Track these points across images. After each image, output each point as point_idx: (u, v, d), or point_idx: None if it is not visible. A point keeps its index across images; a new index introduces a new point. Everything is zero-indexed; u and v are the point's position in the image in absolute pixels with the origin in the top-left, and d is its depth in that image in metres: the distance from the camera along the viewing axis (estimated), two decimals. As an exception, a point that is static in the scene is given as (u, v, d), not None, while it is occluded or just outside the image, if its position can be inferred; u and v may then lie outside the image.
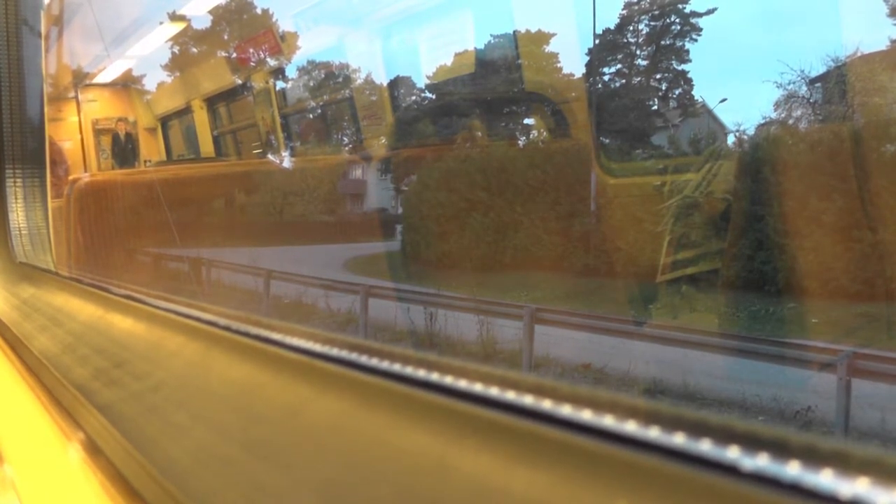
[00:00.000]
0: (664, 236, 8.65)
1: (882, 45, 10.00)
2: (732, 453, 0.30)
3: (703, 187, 8.85)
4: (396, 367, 0.50)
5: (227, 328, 0.74)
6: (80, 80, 9.43)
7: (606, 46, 14.24)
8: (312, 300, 9.58)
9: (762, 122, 10.98)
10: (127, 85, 10.12)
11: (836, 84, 10.37)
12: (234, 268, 10.30)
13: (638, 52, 14.76)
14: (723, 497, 0.29)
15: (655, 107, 14.39)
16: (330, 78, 12.41)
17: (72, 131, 9.43)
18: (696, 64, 14.40)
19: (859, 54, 9.73)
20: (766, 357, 5.56)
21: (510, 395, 0.40)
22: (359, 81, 10.19)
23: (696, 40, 14.22)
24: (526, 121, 14.55)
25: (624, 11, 14.26)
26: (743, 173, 8.39)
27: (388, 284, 9.81)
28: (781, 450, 0.29)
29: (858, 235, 7.13)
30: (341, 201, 16.32)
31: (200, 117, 9.50)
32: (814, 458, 0.28)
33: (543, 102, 12.65)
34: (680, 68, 14.46)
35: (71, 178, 7.52)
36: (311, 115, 12.69)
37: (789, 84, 11.03)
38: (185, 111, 9.76)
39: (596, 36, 13.39)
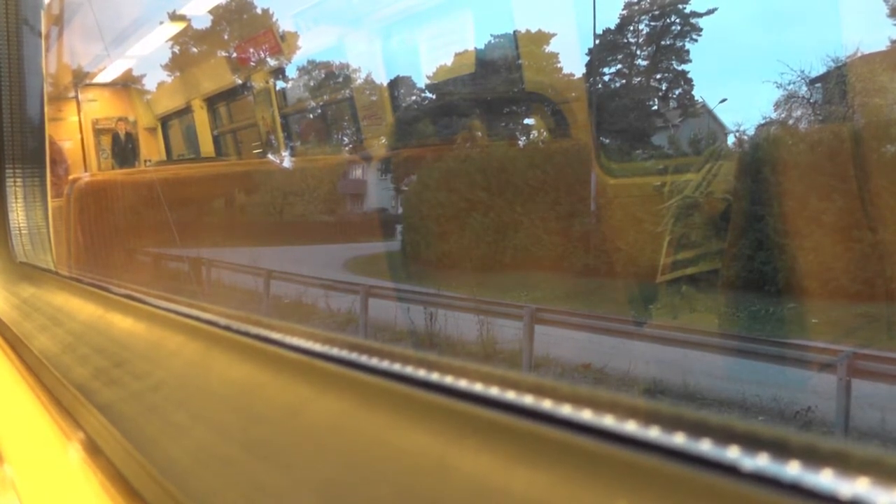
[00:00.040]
0: (664, 236, 8.65)
1: (882, 45, 10.01)
2: (732, 453, 0.30)
3: (703, 187, 8.85)
4: (396, 367, 0.50)
5: (227, 328, 0.74)
6: (80, 79, 9.43)
7: (606, 46, 14.24)
8: (312, 300, 9.59)
9: (762, 122, 10.99)
10: (127, 85, 10.13)
11: (836, 84, 10.37)
12: (234, 268, 10.31)
13: (638, 52, 14.76)
14: (723, 497, 0.29)
15: (655, 107, 14.39)
16: (330, 78, 12.41)
17: (72, 131, 9.43)
18: (696, 64, 14.41)
19: (859, 55, 9.74)
20: (766, 357, 5.56)
21: (510, 395, 0.40)
22: (359, 81, 10.19)
23: (696, 40, 14.23)
24: (526, 121, 14.56)
25: (624, 11, 14.27)
26: (743, 173, 8.39)
27: (388, 284, 9.81)
28: (781, 450, 0.29)
29: (858, 235, 7.13)
30: (341, 201, 16.32)
31: (200, 117, 9.50)
32: (814, 458, 0.28)
33: (543, 102, 12.65)
34: (680, 68, 14.47)
35: (71, 177, 7.52)
36: (311, 115, 12.69)
37: (789, 84, 11.04)
38: (186, 111, 9.76)
39: (596, 36, 13.41)
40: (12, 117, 2.16)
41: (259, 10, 11.17)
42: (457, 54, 9.47)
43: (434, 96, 14.79)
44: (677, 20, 14.37)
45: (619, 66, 14.81)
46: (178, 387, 0.75)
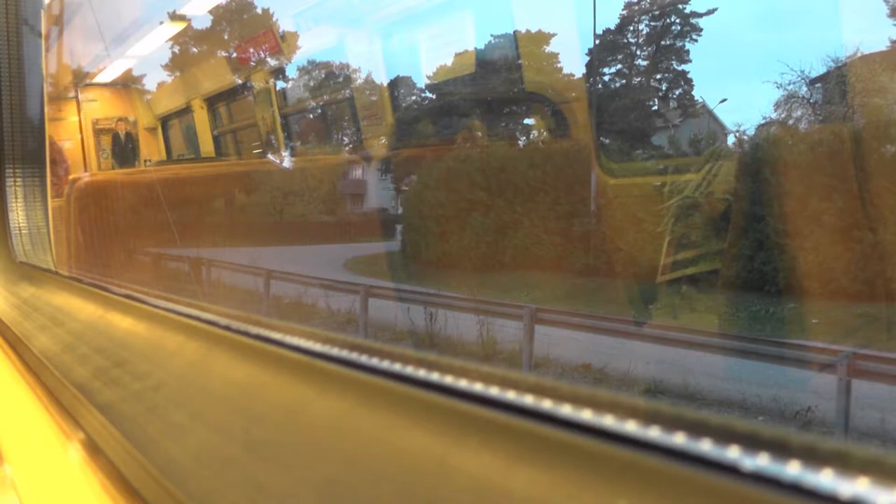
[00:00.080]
0: (664, 236, 8.65)
1: (882, 45, 10.01)
2: (732, 453, 0.30)
3: (703, 188, 8.85)
4: (396, 367, 0.50)
5: (227, 328, 0.74)
6: (81, 79, 9.43)
7: (606, 47, 14.24)
8: (312, 300, 9.59)
9: (762, 122, 11.00)
10: (127, 85, 10.12)
11: (836, 84, 10.37)
12: (234, 268, 10.31)
13: (638, 52, 14.77)
14: (723, 497, 0.29)
15: (655, 107, 14.39)
16: (330, 78, 12.40)
17: (72, 131, 9.43)
18: (696, 64, 14.43)
19: (859, 55, 9.74)
20: (766, 357, 5.57)
21: (510, 395, 0.40)
22: (359, 81, 10.18)
23: (696, 40, 14.24)
24: (526, 121, 14.57)
25: (624, 12, 14.28)
26: (743, 174, 8.39)
27: (388, 284, 9.82)
28: (781, 450, 0.29)
29: (858, 236, 7.13)
30: (341, 201, 16.32)
31: (200, 117, 9.50)
32: (814, 458, 0.28)
33: (543, 102, 12.64)
34: (680, 68, 14.47)
35: (71, 177, 7.52)
36: (311, 115, 12.70)
37: (789, 84, 11.04)
38: (186, 111, 9.76)
39: (596, 36, 13.40)
40: (12, 117, 2.17)
41: (259, 10, 11.17)
42: (457, 54, 9.47)
43: (434, 96, 14.79)
44: (677, 20, 14.38)
45: (619, 66, 14.82)
46: (178, 387, 0.75)
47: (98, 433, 0.75)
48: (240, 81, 9.28)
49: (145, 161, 9.81)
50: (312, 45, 9.16)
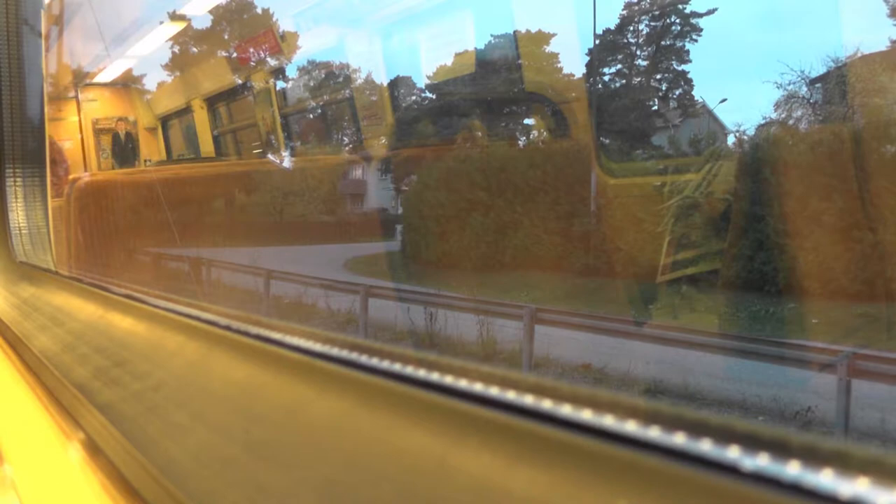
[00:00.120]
0: (664, 236, 8.65)
1: (882, 45, 10.00)
2: (732, 453, 0.30)
3: (703, 188, 8.85)
4: (396, 367, 0.50)
5: (227, 328, 0.74)
6: (81, 79, 9.43)
7: (606, 47, 14.24)
8: (312, 300, 9.59)
9: (762, 122, 11.00)
10: (127, 84, 10.12)
11: (836, 84, 10.37)
12: (234, 268, 10.31)
13: (638, 52, 14.76)
14: (723, 497, 0.29)
15: (655, 107, 14.39)
16: (330, 78, 12.40)
17: (72, 131, 9.43)
18: (696, 64, 14.42)
19: (859, 55, 9.74)
20: (766, 357, 5.57)
21: (510, 395, 0.40)
22: (359, 81, 10.18)
23: (696, 40, 14.24)
24: (526, 121, 14.56)
25: (624, 12, 14.27)
26: (743, 174, 8.39)
27: (388, 284, 9.82)
28: (781, 450, 0.29)
29: (858, 236, 7.13)
30: (341, 201, 16.32)
31: (200, 117, 9.50)
32: (814, 458, 0.28)
33: (543, 103, 12.64)
34: (680, 69, 14.47)
35: (71, 177, 7.52)
36: (311, 115, 12.70)
37: (789, 84, 11.04)
38: (186, 111, 9.76)
39: (596, 36, 13.40)
40: (12, 117, 2.17)
41: (259, 10, 11.17)
42: (457, 54, 9.47)
43: (434, 96, 14.79)
44: (677, 20, 14.38)
45: (619, 66, 14.82)
46: (178, 387, 0.75)
47: (98, 433, 0.75)
48: (240, 81, 9.28)
49: (145, 161, 9.81)
50: (312, 45, 9.17)
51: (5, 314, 1.58)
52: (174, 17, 8.29)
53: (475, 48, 10.14)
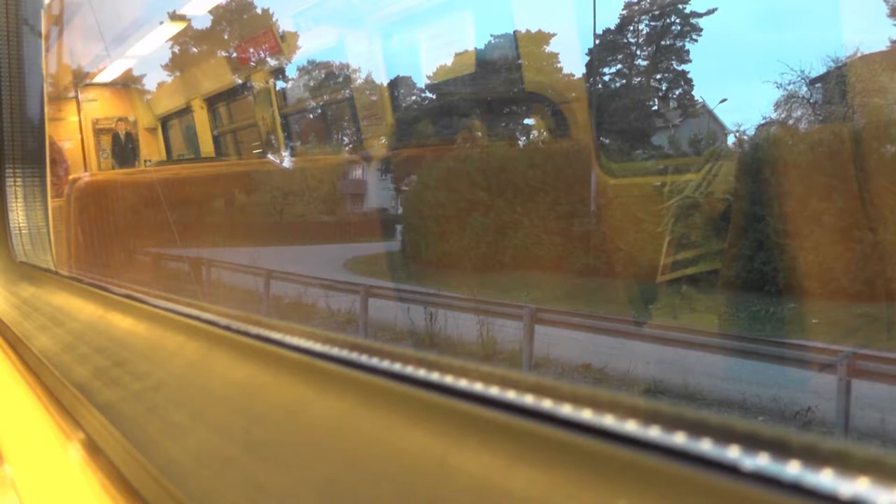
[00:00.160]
0: (664, 236, 8.65)
1: (882, 45, 10.01)
2: (732, 453, 0.30)
3: (703, 188, 8.85)
4: (396, 367, 0.50)
5: (227, 328, 0.74)
6: (80, 79, 9.43)
7: (606, 47, 14.24)
8: (312, 300, 9.59)
9: (762, 122, 11.00)
10: (127, 85, 10.12)
11: (836, 84, 10.37)
12: (234, 268, 10.31)
13: (638, 52, 14.76)
14: (723, 497, 0.29)
15: (655, 107, 14.39)
16: (330, 78, 12.40)
17: (72, 131, 9.43)
18: (696, 64, 14.43)
19: (859, 55, 9.74)
20: (766, 357, 5.57)
21: (510, 395, 0.40)
22: (359, 81, 10.18)
23: (696, 40, 14.24)
24: (526, 121, 14.56)
25: (624, 11, 14.27)
26: (743, 174, 8.39)
27: (388, 284, 9.82)
28: (781, 450, 0.29)
29: (858, 236, 7.13)
30: (341, 201, 16.32)
31: (200, 117, 9.50)
32: (814, 458, 0.28)
33: (543, 102, 12.64)
34: (680, 68, 14.47)
35: (71, 177, 7.52)
36: (311, 115, 12.70)
37: (789, 84, 11.05)
38: (186, 111, 9.76)
39: (596, 36, 13.41)
40: (12, 117, 2.17)
41: (259, 10, 11.17)
42: (457, 54, 9.47)
43: (434, 96, 14.79)
44: (677, 20, 14.38)
45: (619, 66, 14.82)
46: (178, 387, 0.75)
47: (98, 433, 0.75)
48: (240, 81, 9.28)
49: (145, 161, 9.81)
50: (312, 45, 9.16)
51: (5, 314, 1.58)
52: (174, 17, 8.29)
53: (475, 48, 10.15)
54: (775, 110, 11.36)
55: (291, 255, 12.36)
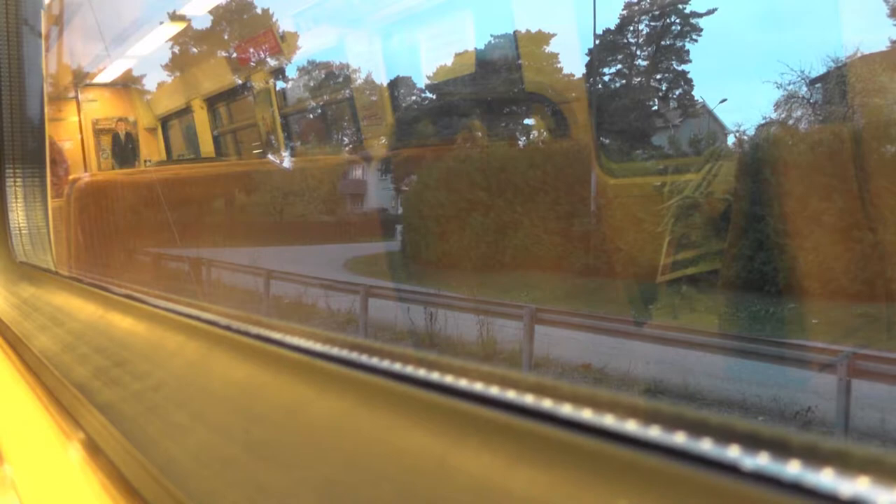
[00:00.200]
0: (664, 237, 8.65)
1: (882, 45, 10.01)
2: (733, 453, 0.30)
3: (703, 188, 8.85)
4: (396, 367, 0.50)
5: (227, 328, 0.74)
6: (81, 79, 9.43)
7: (606, 47, 14.24)
8: (312, 300, 9.59)
9: (762, 122, 11.00)
10: (127, 85, 10.12)
11: (836, 84, 10.37)
12: (233, 268, 10.31)
13: (638, 52, 14.77)
14: (723, 497, 0.29)
15: (655, 107, 14.39)
16: (330, 78, 12.40)
17: (72, 131, 9.43)
18: (696, 64, 14.43)
19: (859, 55, 9.74)
20: (766, 357, 5.57)
21: (510, 395, 0.40)
22: (359, 81, 10.18)
23: (696, 40, 14.24)
24: (526, 121, 14.56)
25: (624, 12, 14.27)
26: (743, 174, 8.39)
27: (388, 284, 9.82)
28: (781, 450, 0.29)
29: (858, 236, 7.13)
30: (341, 201, 16.32)
31: (200, 117, 9.50)
32: (814, 457, 0.28)
33: (543, 103, 12.64)
34: (680, 68, 14.47)
35: (71, 177, 7.52)
36: (311, 115, 12.70)
37: (789, 84, 11.05)
38: (185, 111, 9.76)
39: (596, 36, 13.41)
40: (12, 117, 2.17)
41: (259, 10, 11.17)
42: (457, 54, 9.47)
43: (434, 96, 14.79)
44: (677, 20, 14.38)
45: (619, 66, 14.82)
46: (178, 387, 0.75)
47: (98, 433, 0.75)
48: (240, 82, 9.28)
49: (145, 161, 9.81)
50: (312, 45, 9.17)
51: (5, 314, 1.58)
52: (174, 17, 8.29)
53: (475, 48, 10.15)
54: (775, 110, 11.37)
55: (291, 255, 12.36)
